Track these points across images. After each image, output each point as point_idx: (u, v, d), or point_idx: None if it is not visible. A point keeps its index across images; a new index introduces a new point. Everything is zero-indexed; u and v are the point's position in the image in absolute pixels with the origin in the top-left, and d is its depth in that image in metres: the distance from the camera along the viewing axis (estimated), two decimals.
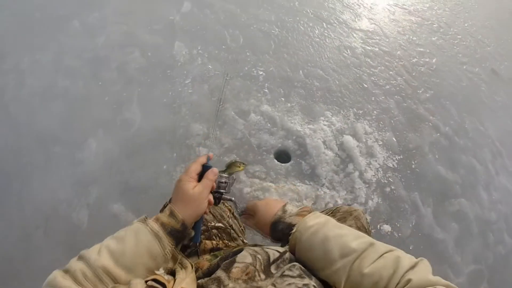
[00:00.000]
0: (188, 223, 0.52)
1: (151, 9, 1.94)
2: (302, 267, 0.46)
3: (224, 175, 0.64)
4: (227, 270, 0.44)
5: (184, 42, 1.80)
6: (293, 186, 1.47)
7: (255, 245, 0.55)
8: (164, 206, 0.81)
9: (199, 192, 0.53)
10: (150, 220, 0.51)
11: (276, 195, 1.44)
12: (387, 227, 1.49)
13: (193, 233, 0.55)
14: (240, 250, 0.49)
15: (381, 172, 1.58)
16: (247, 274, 0.44)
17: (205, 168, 0.58)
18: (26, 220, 1.28)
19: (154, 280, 0.42)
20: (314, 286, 0.41)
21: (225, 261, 0.46)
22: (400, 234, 1.48)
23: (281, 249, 0.49)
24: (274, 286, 0.41)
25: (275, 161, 1.49)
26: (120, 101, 1.55)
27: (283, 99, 1.67)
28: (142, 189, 1.35)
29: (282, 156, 1.51)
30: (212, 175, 0.56)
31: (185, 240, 0.53)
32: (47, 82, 1.58)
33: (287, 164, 1.50)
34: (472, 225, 1.58)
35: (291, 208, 0.60)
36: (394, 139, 1.68)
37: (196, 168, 0.56)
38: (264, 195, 1.39)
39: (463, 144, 1.84)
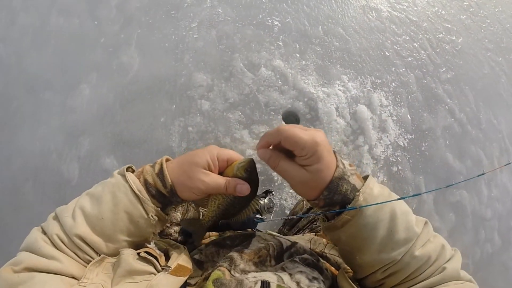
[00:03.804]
0: (178, 190, 0.40)
1: None
2: (314, 259, 0.42)
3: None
4: (240, 251, 0.41)
5: None
6: None
7: (268, 233, 0.49)
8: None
9: (200, 178, 0.39)
10: (133, 174, 0.41)
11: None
12: None
13: (183, 202, 0.44)
14: (251, 235, 0.45)
15: (391, 149, 1.48)
16: (259, 257, 0.41)
17: (252, 175, 0.40)
18: (15, 172, 1.20)
19: (146, 252, 0.38)
20: (322, 281, 0.39)
21: (239, 245, 0.43)
22: None
23: (293, 238, 0.46)
24: (284, 270, 0.38)
25: (283, 122, 1.35)
26: (117, 43, 1.37)
27: (298, 55, 1.48)
28: (136, 143, 1.23)
29: (291, 118, 1.37)
30: (236, 186, 0.39)
31: (174, 204, 0.42)
32: (40, 19, 1.39)
33: None
34: (467, 219, 1.54)
35: (345, 163, 0.41)
36: (408, 116, 1.56)
37: (224, 154, 0.41)
38: (283, 178, 1.26)
39: (474, 134, 1.75)
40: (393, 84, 1.59)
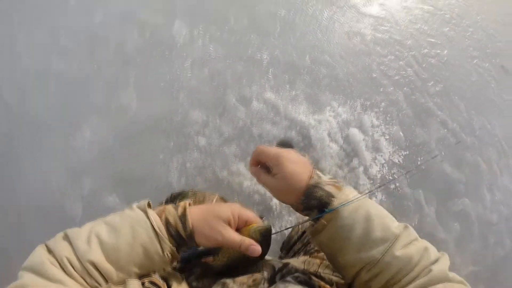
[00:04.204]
0: (196, 236, 0.43)
1: None
2: (306, 278, 0.43)
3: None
4: (233, 277, 0.42)
5: (184, 21, 1.67)
6: None
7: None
8: (171, 198, 0.73)
9: (219, 230, 0.42)
10: (153, 211, 0.43)
11: None
12: None
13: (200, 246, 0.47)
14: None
15: (386, 168, 1.52)
16: (254, 280, 0.42)
17: (268, 239, 0.45)
18: (19, 209, 1.23)
19: (151, 282, 0.39)
20: None
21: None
22: None
23: (284, 261, 0.47)
24: None
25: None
26: (115, 85, 1.45)
27: (287, 86, 1.57)
28: (137, 180, 1.29)
29: (285, 147, 1.42)
30: (250, 246, 0.43)
31: (187, 247, 0.45)
32: (41, 63, 1.48)
33: None
34: (473, 226, 1.55)
35: (322, 175, 0.47)
36: (401, 133, 1.61)
37: (250, 217, 0.45)
38: (265, 190, 1.31)
39: (469, 142, 1.78)
40: (383, 104, 1.65)
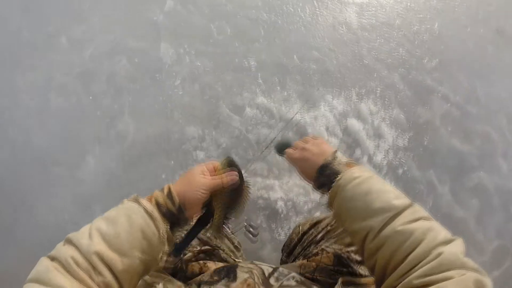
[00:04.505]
0: (185, 205, 0.48)
1: (135, 12, 1.84)
2: (302, 278, 0.45)
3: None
4: (227, 285, 0.43)
5: (169, 42, 1.70)
6: (299, 180, 1.38)
7: (250, 262, 0.53)
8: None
9: (202, 181, 0.50)
10: (143, 199, 0.48)
11: (281, 192, 1.36)
12: None
13: (190, 221, 0.51)
14: (235, 266, 0.47)
15: (392, 153, 1.48)
16: (248, 285, 0.43)
17: (233, 166, 0.53)
18: (35, 246, 1.26)
19: None
20: None
21: (225, 277, 0.45)
22: None
23: (274, 266, 0.49)
24: None
25: (277, 155, 1.41)
26: (112, 113, 1.50)
27: (278, 88, 1.57)
28: None
29: (284, 148, 1.42)
30: (228, 176, 0.52)
31: (181, 225, 0.50)
32: (41, 101, 1.55)
33: None
34: (493, 198, 1.48)
35: (341, 156, 0.56)
36: (402, 115, 1.57)
37: (212, 163, 0.54)
38: (268, 194, 1.32)
39: (476, 112, 1.71)
40: (378, 89, 1.62)
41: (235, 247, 0.73)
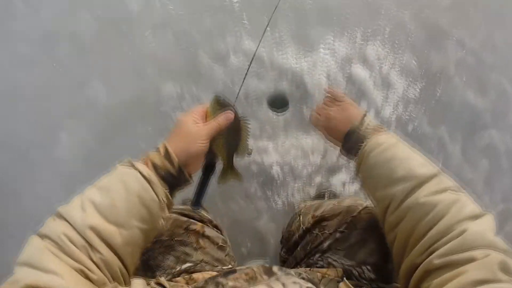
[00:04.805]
0: (184, 162, 0.45)
1: None
2: (308, 275, 0.41)
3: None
4: (226, 276, 0.40)
5: None
6: (296, 141, 1.16)
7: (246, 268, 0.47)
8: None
9: (197, 130, 0.46)
10: (138, 162, 0.44)
11: (277, 155, 1.15)
12: None
13: (191, 181, 0.48)
14: (232, 271, 0.42)
15: (401, 106, 1.28)
16: (246, 274, 0.40)
17: (224, 104, 0.49)
18: (28, 234, 1.07)
19: (157, 283, 0.39)
20: None
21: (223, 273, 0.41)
22: None
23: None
24: (278, 279, 0.37)
25: (270, 111, 1.17)
26: (78, 79, 1.27)
27: (268, 29, 1.27)
28: None
29: (278, 102, 1.18)
30: (223, 117, 0.48)
31: (181, 186, 0.47)
32: (5, 80, 1.32)
33: (285, 113, 1.18)
34: (502, 160, 1.34)
35: (369, 121, 0.53)
36: (414, 61, 1.34)
37: (200, 107, 0.50)
38: (262, 158, 1.11)
39: (491, 61, 1.50)
40: (387, 29, 1.36)
41: (220, 247, 0.61)
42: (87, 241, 0.35)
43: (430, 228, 0.35)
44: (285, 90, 1.18)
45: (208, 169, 0.52)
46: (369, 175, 0.48)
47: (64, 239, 0.34)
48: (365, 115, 0.54)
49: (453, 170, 1.28)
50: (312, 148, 1.17)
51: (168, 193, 0.44)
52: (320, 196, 1.12)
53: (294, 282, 0.36)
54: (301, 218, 0.63)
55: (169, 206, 0.45)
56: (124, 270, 0.39)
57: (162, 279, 0.41)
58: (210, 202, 0.62)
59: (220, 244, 0.61)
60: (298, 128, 1.17)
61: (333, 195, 1.12)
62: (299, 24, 1.29)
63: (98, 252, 0.35)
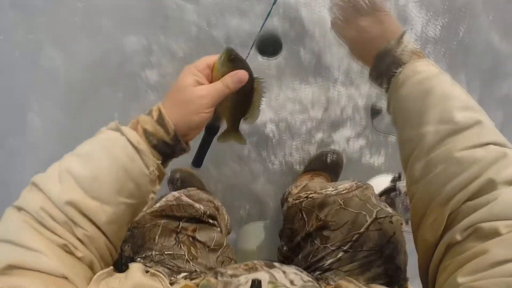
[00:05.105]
0: (182, 132, 0.38)
1: None
2: (310, 278, 0.41)
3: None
4: (227, 266, 0.42)
5: None
6: (292, 92, 0.98)
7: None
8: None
9: (200, 95, 0.38)
10: (127, 127, 0.37)
11: (271, 111, 1.00)
12: None
13: (188, 149, 0.41)
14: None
15: (419, 45, 1.07)
16: (245, 265, 0.41)
17: (237, 61, 0.40)
18: None
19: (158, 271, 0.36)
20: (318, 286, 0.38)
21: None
22: None
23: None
24: (279, 268, 0.39)
25: (259, 56, 0.97)
26: (31, 49, 1.07)
27: None
28: None
29: (269, 47, 0.98)
30: (235, 78, 0.39)
31: (175, 156, 0.40)
32: None
33: (278, 57, 0.98)
34: None
35: (407, 42, 0.42)
36: None
37: (206, 60, 0.40)
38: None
39: None
40: None
41: (212, 249, 0.57)
42: (68, 217, 0.32)
43: (460, 190, 0.30)
44: (277, 29, 0.97)
45: (211, 131, 0.48)
46: (400, 107, 0.40)
47: (43, 215, 0.31)
48: (404, 33, 0.43)
49: None
50: (312, 100, 0.99)
51: (160, 164, 0.38)
52: (321, 157, 0.98)
53: (295, 273, 0.36)
54: (304, 215, 0.55)
55: (161, 178, 0.40)
56: (110, 246, 0.36)
57: (161, 269, 0.41)
58: (201, 169, 0.53)
59: (212, 246, 0.57)
60: (295, 77, 0.99)
61: (336, 156, 0.97)
62: None
63: (81, 228, 0.32)
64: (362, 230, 0.48)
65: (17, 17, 1.08)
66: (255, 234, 0.87)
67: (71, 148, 0.37)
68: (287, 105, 0.99)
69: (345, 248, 0.49)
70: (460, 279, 0.26)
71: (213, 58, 0.41)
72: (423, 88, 0.38)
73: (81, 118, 1.04)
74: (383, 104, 1.07)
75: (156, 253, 0.52)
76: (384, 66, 0.42)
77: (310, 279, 0.36)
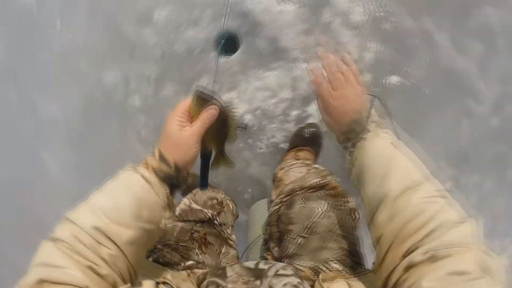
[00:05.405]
0: (181, 166, 0.47)
1: None
2: (294, 269, 0.45)
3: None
4: (222, 276, 0.43)
5: None
6: (259, 81, 1.06)
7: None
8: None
9: (186, 137, 0.46)
10: (140, 167, 0.46)
11: (244, 103, 1.08)
12: (394, 78, 1.13)
13: (189, 177, 0.49)
14: (223, 268, 0.46)
15: (373, 3, 1.07)
16: (242, 279, 0.43)
17: (206, 99, 0.48)
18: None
19: (164, 283, 0.40)
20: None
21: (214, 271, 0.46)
22: (412, 81, 1.12)
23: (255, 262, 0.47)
24: (271, 287, 0.40)
25: (222, 56, 1.05)
26: (26, 106, 1.14)
27: None
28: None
29: (226, 45, 1.04)
30: (207, 115, 0.46)
31: (181, 185, 0.48)
32: None
33: (238, 53, 1.05)
34: (498, 39, 1.11)
35: (374, 113, 0.53)
36: None
37: (183, 105, 0.48)
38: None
39: None
40: None
41: (219, 253, 0.69)
42: (95, 240, 0.38)
43: (418, 229, 0.38)
44: (230, 27, 1.02)
45: (206, 157, 0.55)
46: (366, 168, 0.48)
47: (73, 240, 0.37)
48: (372, 106, 0.52)
49: (443, 64, 1.15)
50: (279, 83, 1.06)
51: (168, 193, 0.46)
52: (299, 133, 1.06)
53: (285, 284, 0.39)
54: (282, 218, 0.67)
55: (170, 205, 0.48)
56: (131, 268, 0.41)
57: (169, 277, 0.45)
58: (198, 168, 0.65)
59: (220, 250, 0.68)
60: (258, 66, 1.06)
61: (314, 128, 1.05)
62: None
63: (106, 247, 0.38)
64: (315, 219, 0.61)
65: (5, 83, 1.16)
66: (262, 211, 0.96)
67: (87, 179, 0.47)
68: (257, 94, 1.07)
69: (302, 234, 0.61)
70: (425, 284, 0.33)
71: (187, 102, 0.47)
72: (385, 154, 0.46)
73: (88, 152, 1.15)
74: None
75: (173, 243, 0.62)
76: (353, 134, 0.51)
77: (299, 281, 0.41)
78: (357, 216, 0.64)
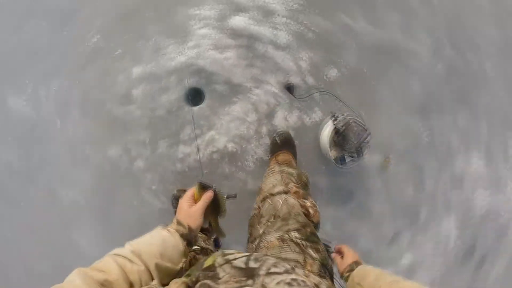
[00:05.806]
0: (193, 229, 0.66)
1: None
2: (286, 264, 0.48)
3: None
4: (213, 278, 0.44)
5: None
6: (228, 115, 1.29)
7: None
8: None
9: (194, 211, 0.67)
10: (168, 227, 0.65)
11: (223, 136, 1.30)
12: (333, 71, 1.33)
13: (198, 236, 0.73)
14: (214, 268, 0.49)
15: (291, 24, 1.32)
16: (234, 279, 0.45)
17: (205, 187, 0.70)
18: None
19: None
20: (301, 279, 0.43)
21: (206, 273, 0.47)
22: (349, 67, 1.32)
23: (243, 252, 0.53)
24: (264, 287, 0.41)
25: (194, 108, 1.29)
26: (47, 198, 1.33)
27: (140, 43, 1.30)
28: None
29: (196, 98, 1.29)
30: (206, 196, 0.69)
31: (193, 241, 0.67)
32: None
33: (205, 100, 1.30)
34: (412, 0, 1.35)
35: (357, 258, 0.84)
36: None
37: (190, 192, 0.71)
38: (215, 145, 1.30)
39: None
40: None
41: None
42: (128, 258, 0.54)
43: None
44: (193, 83, 1.27)
45: (210, 224, 0.78)
46: (357, 282, 0.74)
47: (123, 261, 0.53)
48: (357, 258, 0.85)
49: (369, 43, 1.31)
50: (243, 111, 1.29)
51: (185, 245, 0.64)
52: (273, 142, 1.27)
53: (278, 283, 0.42)
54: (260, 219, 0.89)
55: (186, 254, 0.65)
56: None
57: (154, 283, 0.54)
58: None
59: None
60: (223, 105, 1.29)
61: (282, 134, 1.26)
62: (161, 16, 1.30)
63: (137, 264, 0.54)
64: (278, 209, 0.86)
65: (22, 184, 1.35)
66: None
67: (118, 243, 0.60)
68: (230, 125, 1.29)
69: (270, 220, 0.84)
70: None
71: (192, 191, 0.70)
72: (372, 280, 0.69)
73: (113, 221, 1.32)
74: (290, 80, 1.32)
75: None
76: (350, 269, 0.80)
77: (292, 277, 0.44)
78: (311, 212, 0.88)
